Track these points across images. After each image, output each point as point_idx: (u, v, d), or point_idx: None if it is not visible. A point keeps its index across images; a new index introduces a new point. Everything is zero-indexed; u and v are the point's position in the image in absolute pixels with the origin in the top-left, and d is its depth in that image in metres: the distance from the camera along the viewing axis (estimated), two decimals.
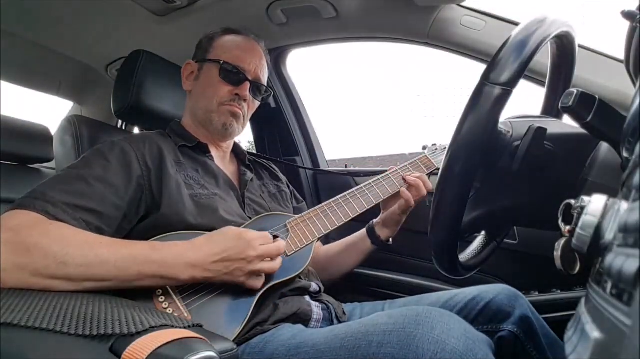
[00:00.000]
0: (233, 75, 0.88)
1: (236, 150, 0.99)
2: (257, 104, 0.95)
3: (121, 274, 0.59)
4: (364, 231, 0.99)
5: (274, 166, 1.09)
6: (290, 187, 1.07)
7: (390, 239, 0.97)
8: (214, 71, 0.88)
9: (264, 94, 0.94)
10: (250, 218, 0.83)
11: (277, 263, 0.71)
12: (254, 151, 1.51)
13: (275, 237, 0.75)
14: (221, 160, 0.93)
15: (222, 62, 0.87)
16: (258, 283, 0.70)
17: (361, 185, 0.92)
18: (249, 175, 0.93)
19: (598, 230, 0.33)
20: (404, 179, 0.95)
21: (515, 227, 1.07)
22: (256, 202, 0.89)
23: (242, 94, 0.88)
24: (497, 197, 0.70)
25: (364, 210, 0.90)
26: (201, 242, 0.67)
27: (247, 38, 0.94)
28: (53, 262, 0.55)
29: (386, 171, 0.97)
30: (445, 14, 1.05)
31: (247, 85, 0.88)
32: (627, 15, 0.51)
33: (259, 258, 0.68)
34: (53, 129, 1.17)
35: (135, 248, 0.62)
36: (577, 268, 0.42)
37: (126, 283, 0.60)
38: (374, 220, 0.98)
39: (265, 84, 0.94)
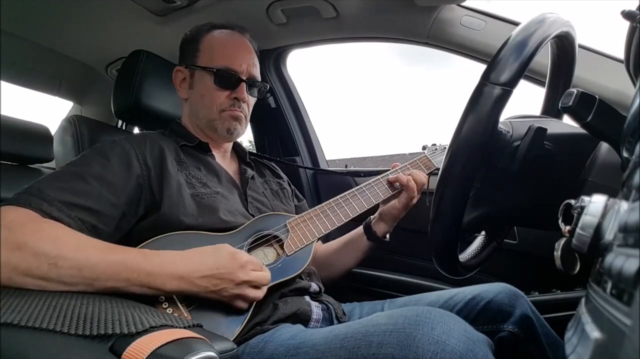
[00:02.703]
0: (228, 79, 0.87)
1: (237, 148, 0.99)
2: (255, 99, 0.95)
3: (111, 279, 0.58)
4: (360, 228, 0.98)
5: (274, 165, 1.09)
6: (292, 186, 1.08)
7: (387, 236, 0.96)
8: (208, 79, 0.87)
9: (260, 88, 0.93)
10: (253, 216, 0.83)
11: (262, 292, 0.69)
12: (254, 151, 1.51)
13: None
14: (222, 159, 0.93)
15: (215, 69, 0.86)
16: (243, 305, 0.68)
17: (361, 185, 0.92)
18: (250, 172, 0.93)
19: (598, 230, 0.33)
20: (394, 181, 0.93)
21: (515, 227, 1.07)
22: (258, 199, 0.89)
23: (241, 96, 0.87)
24: (497, 197, 0.70)
25: (364, 210, 0.90)
26: (193, 254, 0.65)
27: (232, 33, 0.91)
28: (44, 262, 0.55)
29: (386, 170, 0.97)
30: (445, 14, 1.05)
31: (244, 86, 0.87)
32: (627, 15, 0.51)
33: (247, 283, 0.66)
34: (53, 129, 1.18)
35: (127, 254, 0.61)
36: (577, 268, 0.42)
37: (115, 289, 0.59)
38: (371, 216, 0.98)
39: (259, 78, 0.93)
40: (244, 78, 0.88)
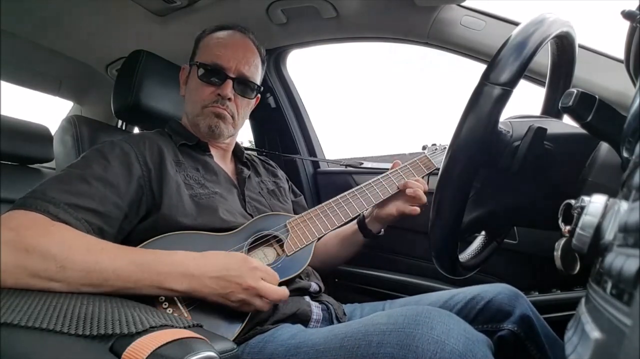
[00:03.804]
0: (213, 75, 0.86)
1: (235, 149, 0.99)
2: (251, 101, 0.92)
3: (120, 281, 0.58)
4: (355, 225, 0.98)
5: (272, 163, 1.10)
6: (289, 181, 1.08)
7: (382, 230, 0.97)
8: (196, 74, 0.87)
9: (253, 89, 0.90)
10: (252, 215, 0.83)
11: (269, 306, 0.68)
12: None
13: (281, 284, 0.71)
14: (221, 159, 0.93)
15: (198, 63, 0.87)
16: (249, 309, 0.67)
17: (361, 185, 0.92)
18: (246, 172, 0.94)
19: (598, 230, 0.33)
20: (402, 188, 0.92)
21: (515, 227, 1.07)
22: (256, 199, 0.89)
23: (223, 93, 0.85)
24: (497, 198, 0.70)
25: (364, 210, 0.90)
26: (205, 255, 0.66)
27: (232, 33, 0.91)
28: (52, 265, 0.55)
29: (387, 169, 0.97)
30: (445, 14, 1.05)
31: (229, 83, 0.85)
32: (627, 15, 0.51)
33: (254, 290, 0.65)
34: (53, 129, 1.18)
35: (137, 256, 0.61)
36: (577, 268, 0.42)
37: (124, 290, 0.59)
38: (365, 214, 0.97)
39: (254, 79, 0.90)
40: (232, 75, 0.86)
